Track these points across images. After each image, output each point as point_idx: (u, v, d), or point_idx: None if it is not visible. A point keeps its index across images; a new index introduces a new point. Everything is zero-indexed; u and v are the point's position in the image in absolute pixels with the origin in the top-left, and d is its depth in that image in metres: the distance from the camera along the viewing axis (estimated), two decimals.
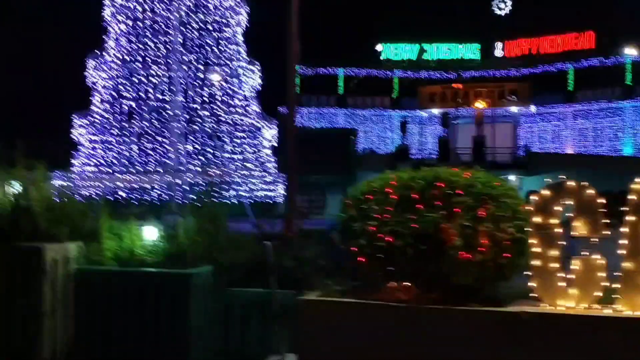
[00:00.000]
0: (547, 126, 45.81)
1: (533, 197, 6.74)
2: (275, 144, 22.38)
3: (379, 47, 50.19)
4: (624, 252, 6.44)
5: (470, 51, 50.26)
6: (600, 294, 6.50)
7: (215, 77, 26.15)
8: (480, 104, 45.68)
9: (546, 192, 6.68)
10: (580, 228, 6.62)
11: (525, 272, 6.72)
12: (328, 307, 7.05)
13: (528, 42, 48.22)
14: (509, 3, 51.81)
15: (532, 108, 45.75)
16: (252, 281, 7.76)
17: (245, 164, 23.72)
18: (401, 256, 6.93)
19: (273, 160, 23.70)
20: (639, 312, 6.30)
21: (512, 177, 39.09)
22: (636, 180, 6.50)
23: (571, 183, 6.66)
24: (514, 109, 45.73)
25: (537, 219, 6.66)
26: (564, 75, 45.52)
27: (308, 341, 7.08)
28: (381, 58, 49.71)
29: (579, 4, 44.25)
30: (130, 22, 23.80)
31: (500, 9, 52.24)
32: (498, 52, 49.55)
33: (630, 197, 6.48)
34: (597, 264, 6.56)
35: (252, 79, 25.78)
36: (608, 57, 43.24)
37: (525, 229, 6.74)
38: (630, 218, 6.46)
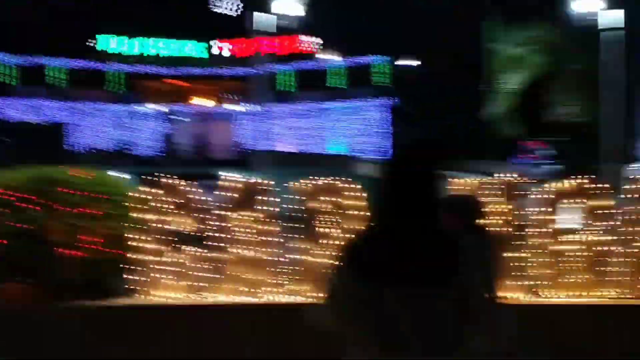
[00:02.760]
0: (264, 124, 47.86)
1: (133, 195, 6.99)
2: None
3: (103, 39, 48.62)
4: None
5: (195, 49, 50.78)
6: (193, 283, 6.96)
7: None
8: (202, 102, 46.35)
9: (145, 189, 6.97)
10: (183, 223, 7.03)
11: (129, 266, 6.96)
12: None
13: (250, 42, 49.81)
14: (236, 4, 53.18)
15: (253, 106, 47.40)
16: None
17: None
18: (6, 255, 6.82)
19: None
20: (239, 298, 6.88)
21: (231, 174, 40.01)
22: (224, 174, 7.09)
23: (168, 180, 7.03)
24: (234, 107, 47.07)
25: (136, 215, 6.93)
26: (282, 76, 47.93)
27: None
28: (107, 51, 48.25)
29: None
30: None
31: (226, 9, 53.43)
32: (224, 51, 50.62)
33: (220, 193, 7.03)
34: (197, 256, 7.01)
35: None
36: (322, 61, 46.32)
37: (128, 224, 6.98)
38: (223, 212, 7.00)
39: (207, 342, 6.67)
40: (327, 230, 6.98)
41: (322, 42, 48.60)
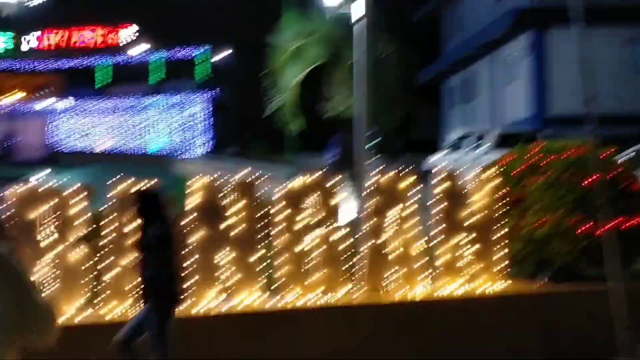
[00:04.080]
0: (82, 121, 45.40)
1: None
2: None
3: None
4: None
5: (1, 40, 47.21)
6: None
7: None
8: (10, 98, 43.23)
9: None
10: None
11: None
12: None
13: (62, 34, 47.02)
14: None
15: (66, 103, 44.79)
16: None
17: None
18: None
19: None
20: None
21: (42, 174, 37.72)
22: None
23: None
24: (47, 103, 44.21)
25: None
26: (97, 70, 45.61)
27: None
28: None
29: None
30: None
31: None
32: (32, 42, 47.38)
33: None
34: None
35: None
36: (136, 56, 44.58)
37: None
38: None
39: None
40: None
41: (139, 33, 46.99)
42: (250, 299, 6.62)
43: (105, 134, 44.98)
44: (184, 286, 5.69)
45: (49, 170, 37.82)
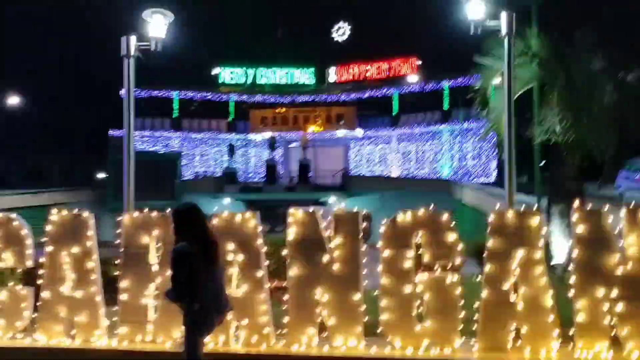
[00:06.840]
0: (374, 149, 47.09)
1: None
2: None
3: (215, 70, 50.35)
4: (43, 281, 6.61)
5: (304, 76, 51.26)
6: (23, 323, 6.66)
7: None
8: (310, 128, 46.66)
9: None
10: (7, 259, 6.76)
11: None
12: None
13: (358, 67, 49.55)
14: (347, 30, 53.36)
15: (360, 132, 46.92)
16: None
17: None
18: None
19: None
20: None
21: (331, 199, 40.11)
22: (53, 211, 6.72)
23: None
24: (343, 132, 46.78)
25: None
26: (389, 100, 47.04)
27: None
28: (218, 82, 49.90)
29: (406, 32, 46.04)
30: None
31: (339, 35, 53.77)
32: (331, 77, 50.67)
33: (48, 227, 6.68)
34: (21, 295, 6.70)
35: None
36: (428, 84, 45.05)
37: None
38: (49, 248, 6.65)
39: None
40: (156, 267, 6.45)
41: (421, 62, 47.76)
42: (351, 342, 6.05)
43: (399, 160, 46.19)
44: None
45: (342, 195, 39.96)
